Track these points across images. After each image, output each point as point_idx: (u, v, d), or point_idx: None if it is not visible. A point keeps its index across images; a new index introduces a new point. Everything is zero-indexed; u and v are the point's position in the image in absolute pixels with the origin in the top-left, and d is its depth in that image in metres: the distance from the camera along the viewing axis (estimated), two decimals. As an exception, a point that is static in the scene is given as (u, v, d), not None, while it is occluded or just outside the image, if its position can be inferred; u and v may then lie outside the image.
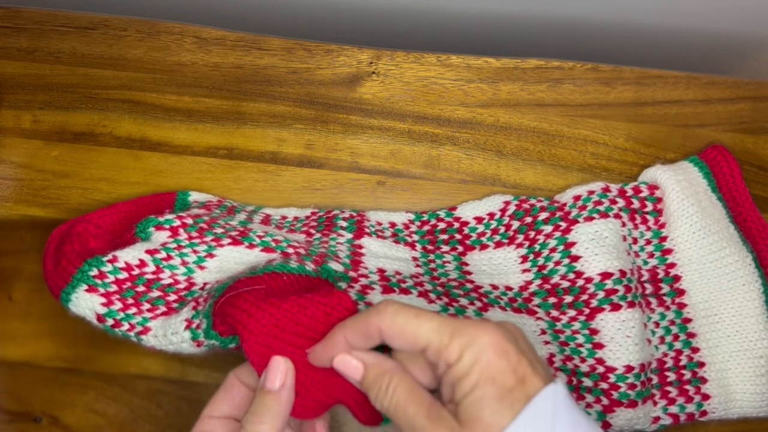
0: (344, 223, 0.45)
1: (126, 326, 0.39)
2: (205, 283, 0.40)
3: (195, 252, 0.40)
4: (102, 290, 0.39)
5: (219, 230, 0.41)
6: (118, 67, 0.49)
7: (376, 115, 0.49)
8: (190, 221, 0.41)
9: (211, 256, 0.40)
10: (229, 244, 0.40)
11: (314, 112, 0.49)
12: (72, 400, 0.44)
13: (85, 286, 0.38)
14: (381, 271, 0.43)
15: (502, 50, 0.52)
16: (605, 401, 0.41)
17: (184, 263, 0.40)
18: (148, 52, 0.49)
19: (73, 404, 0.44)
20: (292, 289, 0.37)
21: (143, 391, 0.45)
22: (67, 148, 0.48)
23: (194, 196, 0.46)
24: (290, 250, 0.41)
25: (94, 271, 0.39)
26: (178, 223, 0.40)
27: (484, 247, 0.46)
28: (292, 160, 0.48)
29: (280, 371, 0.33)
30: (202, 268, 0.40)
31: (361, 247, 0.44)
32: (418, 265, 0.44)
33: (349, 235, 0.44)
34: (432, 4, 0.56)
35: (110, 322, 0.39)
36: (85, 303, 0.38)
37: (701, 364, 0.43)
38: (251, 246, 0.40)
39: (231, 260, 0.40)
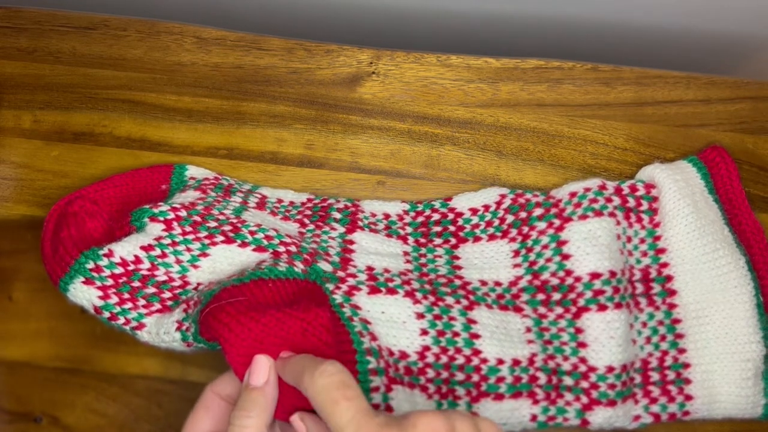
0: (338, 215, 0.45)
1: (122, 320, 0.40)
2: (198, 283, 0.40)
3: (189, 250, 0.41)
4: (99, 283, 0.39)
5: (212, 224, 0.41)
6: (118, 67, 0.49)
7: (376, 115, 0.49)
8: (184, 213, 0.41)
9: (204, 255, 0.41)
10: (222, 242, 0.41)
11: (314, 112, 0.49)
12: (72, 400, 0.44)
13: (82, 278, 0.39)
14: (370, 269, 0.43)
15: (502, 50, 0.52)
16: (584, 399, 0.42)
17: (178, 261, 0.40)
18: (148, 52, 0.49)
19: (73, 404, 0.44)
20: (278, 297, 0.38)
21: (143, 391, 0.45)
22: (67, 148, 0.48)
23: (191, 171, 0.46)
24: (281, 248, 0.41)
25: (91, 264, 0.39)
26: (172, 215, 0.41)
27: (477, 239, 0.46)
28: (292, 160, 0.48)
29: (264, 368, 0.34)
30: (195, 267, 0.41)
31: (352, 242, 0.44)
32: (408, 261, 0.44)
33: (342, 229, 0.45)
34: (432, 4, 0.56)
35: (107, 314, 0.39)
36: (83, 294, 0.39)
37: (686, 366, 0.43)
38: (243, 244, 0.41)
39: (224, 261, 0.41)
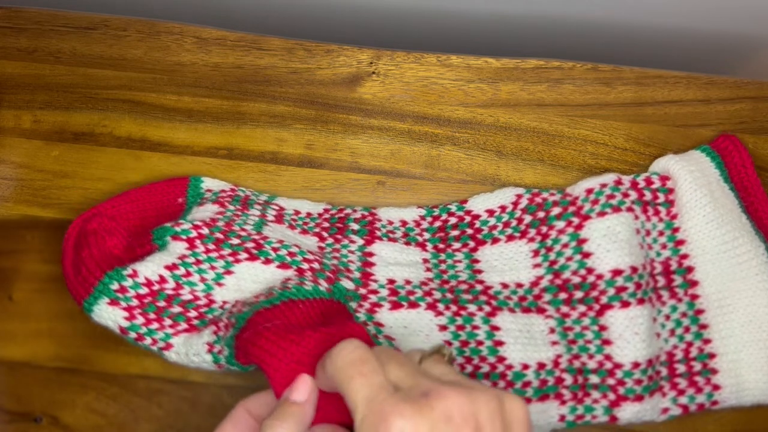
0: (356, 226, 0.45)
1: (149, 341, 0.40)
2: (224, 302, 0.41)
3: (213, 268, 0.41)
4: (124, 304, 0.39)
5: (235, 240, 0.41)
6: (118, 67, 0.49)
7: (376, 115, 0.49)
8: (206, 231, 0.41)
9: (229, 272, 0.41)
10: (245, 259, 0.41)
11: (314, 112, 0.49)
12: (72, 400, 0.44)
13: (107, 299, 0.39)
14: (391, 282, 0.43)
15: (502, 50, 0.52)
16: (612, 396, 0.42)
17: (202, 280, 0.41)
18: (148, 52, 0.49)
19: (73, 404, 0.44)
20: (308, 318, 0.38)
21: (143, 391, 0.45)
22: (67, 148, 0.48)
23: (207, 183, 0.46)
24: (305, 265, 0.41)
25: (115, 285, 0.39)
26: (194, 234, 0.41)
27: (495, 240, 0.45)
28: (292, 160, 0.48)
29: (307, 387, 0.34)
30: (220, 285, 0.41)
31: (372, 254, 0.44)
32: (428, 269, 0.44)
33: (361, 241, 0.45)
34: (432, 4, 0.56)
35: (133, 335, 0.40)
36: (108, 315, 0.39)
37: (712, 356, 0.43)
38: (267, 261, 0.41)
39: (248, 278, 0.41)
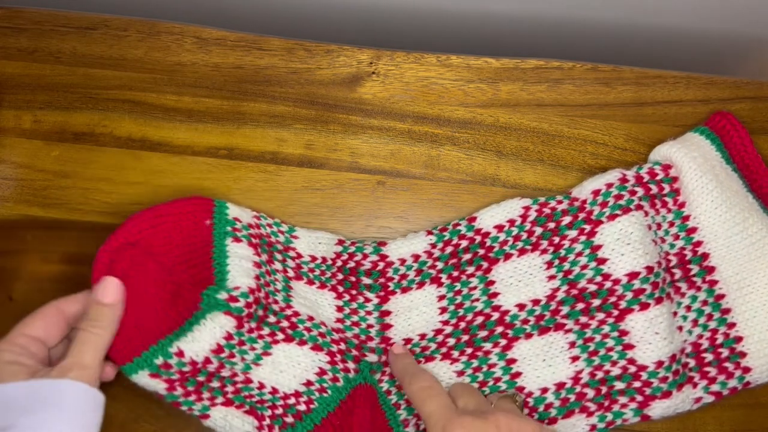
0: (368, 280, 0.45)
1: (185, 408, 0.41)
2: (261, 383, 0.42)
3: (253, 349, 0.41)
4: (165, 377, 0.39)
5: (272, 318, 0.42)
6: (118, 67, 0.49)
7: (376, 115, 0.49)
8: (253, 309, 0.41)
9: (267, 354, 0.42)
10: (282, 340, 0.42)
11: (314, 112, 0.49)
12: (72, 399, 0.44)
13: (149, 372, 0.39)
14: (407, 341, 0.45)
15: (502, 50, 0.52)
16: (639, 398, 0.42)
17: (243, 360, 0.41)
18: (149, 52, 0.50)
19: (74, 404, 0.44)
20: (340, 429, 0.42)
21: (144, 391, 0.44)
22: (68, 148, 0.48)
23: (233, 212, 0.44)
24: (334, 347, 0.43)
25: (160, 360, 0.39)
26: (245, 312, 0.40)
27: (508, 256, 0.45)
28: (293, 160, 0.48)
29: (114, 288, 0.38)
30: (258, 365, 0.42)
31: (388, 313, 0.45)
32: (443, 309, 0.45)
33: (376, 300, 0.45)
34: (432, 4, 0.56)
35: (170, 401, 0.40)
36: (147, 383, 0.40)
37: (739, 339, 0.43)
38: (302, 342, 0.42)
39: (284, 360, 0.42)
